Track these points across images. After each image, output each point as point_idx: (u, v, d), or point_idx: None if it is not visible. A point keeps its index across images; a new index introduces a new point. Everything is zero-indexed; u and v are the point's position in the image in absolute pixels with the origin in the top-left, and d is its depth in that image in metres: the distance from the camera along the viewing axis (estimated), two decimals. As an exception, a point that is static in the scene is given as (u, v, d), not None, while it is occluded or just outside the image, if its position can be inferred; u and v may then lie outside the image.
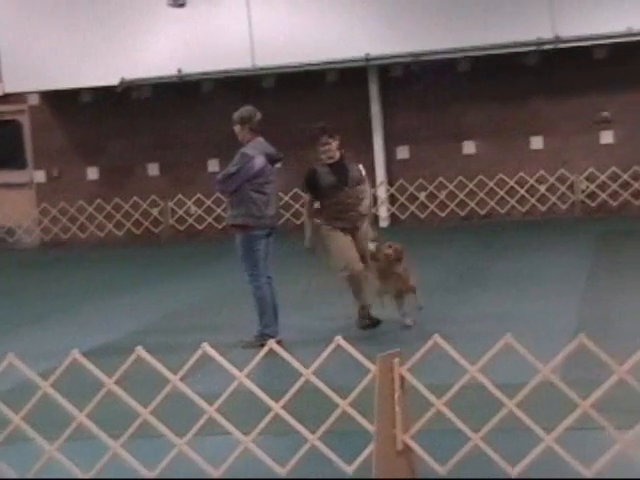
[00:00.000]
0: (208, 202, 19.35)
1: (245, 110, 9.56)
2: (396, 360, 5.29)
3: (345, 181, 9.78)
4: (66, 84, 18.81)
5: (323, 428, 5.55)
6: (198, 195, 19.46)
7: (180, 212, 19.64)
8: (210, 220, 19.37)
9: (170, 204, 19.65)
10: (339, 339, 5.65)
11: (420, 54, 17.99)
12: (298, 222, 18.98)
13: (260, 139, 9.50)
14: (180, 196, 19.59)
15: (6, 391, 6.69)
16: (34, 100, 19.96)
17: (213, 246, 17.63)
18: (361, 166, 10.08)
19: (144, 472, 5.65)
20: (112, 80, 18.48)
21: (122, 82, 18.57)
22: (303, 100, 19.13)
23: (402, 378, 5.29)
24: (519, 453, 5.30)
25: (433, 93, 18.83)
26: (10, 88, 19.25)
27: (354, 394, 5.54)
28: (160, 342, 9.49)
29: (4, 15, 18.98)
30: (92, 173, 20.09)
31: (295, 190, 18.92)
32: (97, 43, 18.61)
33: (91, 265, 16.93)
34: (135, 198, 19.70)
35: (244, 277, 9.44)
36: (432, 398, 5.40)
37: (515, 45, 17.55)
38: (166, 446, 5.72)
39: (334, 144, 9.84)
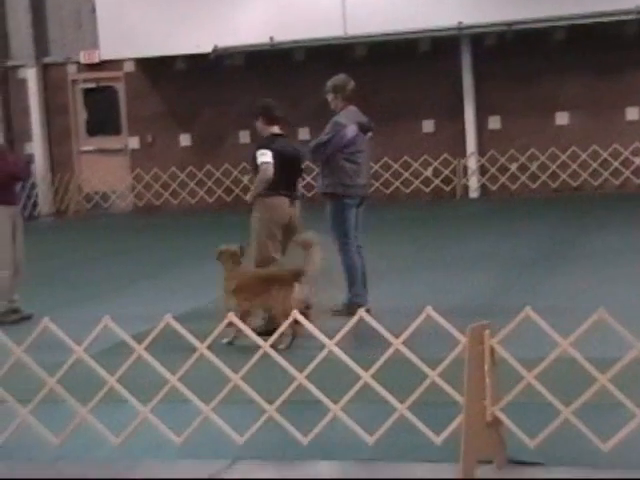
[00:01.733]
0: (298, 170, 19.40)
1: (338, 78, 9.55)
2: (487, 332, 5.26)
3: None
4: (161, 51, 19.02)
5: (412, 398, 5.55)
6: (288, 163, 19.52)
7: (270, 180, 19.73)
8: (301, 188, 19.41)
9: (260, 172, 19.75)
10: (429, 309, 5.64)
11: (514, 23, 17.73)
12: (388, 192, 18.96)
13: (353, 108, 9.48)
14: (270, 164, 19.67)
15: (101, 352, 6.82)
16: (129, 67, 20.22)
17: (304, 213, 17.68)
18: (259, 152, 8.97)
19: (234, 437, 5.73)
20: (205, 48, 18.62)
21: (215, 50, 18.70)
22: (395, 69, 19.03)
23: (492, 350, 5.26)
24: (611, 429, 5.24)
25: (527, 63, 18.56)
26: (106, 55, 19.55)
27: (444, 365, 5.54)
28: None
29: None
30: (185, 140, 20.31)
31: (385, 159, 18.90)
32: (191, 11, 18.76)
33: (182, 231, 17.15)
34: (226, 165, 19.86)
35: (334, 245, 9.46)
36: (522, 371, 5.36)
37: (613, 14, 17.18)
38: (255, 412, 5.79)
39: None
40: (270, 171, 8.73)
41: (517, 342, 5.75)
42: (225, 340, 7.86)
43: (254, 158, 8.92)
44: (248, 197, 9.12)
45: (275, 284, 8.21)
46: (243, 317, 7.54)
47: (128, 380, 6.00)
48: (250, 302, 8.30)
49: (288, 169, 8.92)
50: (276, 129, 9.04)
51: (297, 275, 8.23)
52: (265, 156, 8.74)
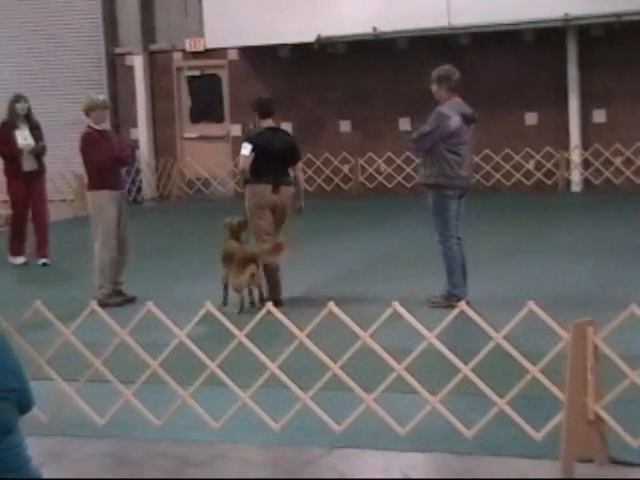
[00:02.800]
0: (398, 161, 19.36)
1: (443, 69, 9.48)
2: (590, 328, 5.18)
3: None
4: (265, 40, 19.14)
5: (513, 392, 5.51)
6: (388, 153, 19.50)
7: (370, 170, 19.74)
8: (399, 179, 19.39)
9: (360, 161, 19.78)
10: (531, 303, 5.58)
11: (623, 14, 17.37)
12: (489, 184, 18.79)
13: (457, 99, 9.41)
14: (370, 154, 19.68)
15: (203, 336, 6.92)
16: (233, 55, 20.41)
17: (402, 202, 17.67)
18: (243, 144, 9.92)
19: (332, 424, 5.76)
20: (309, 37, 18.68)
21: (319, 39, 18.75)
22: (499, 59, 18.82)
23: (596, 347, 5.18)
24: None
25: (634, 54, 18.17)
26: (211, 43, 19.76)
27: (545, 360, 5.48)
28: (349, 294, 9.66)
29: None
30: (286, 128, 20.38)
31: (486, 151, 18.73)
32: (295, 0, 18.83)
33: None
34: (326, 154, 19.92)
35: (434, 236, 9.43)
36: (626, 369, 5.27)
37: None
38: (355, 401, 5.81)
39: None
40: (243, 163, 9.74)
41: (621, 338, 5.66)
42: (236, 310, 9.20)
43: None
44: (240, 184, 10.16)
45: (234, 261, 9.42)
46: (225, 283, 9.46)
47: (228, 364, 6.09)
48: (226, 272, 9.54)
49: (271, 159, 9.69)
50: (268, 122, 9.92)
51: (251, 258, 9.38)
52: (244, 149, 9.72)
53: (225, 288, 9.58)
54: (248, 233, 9.87)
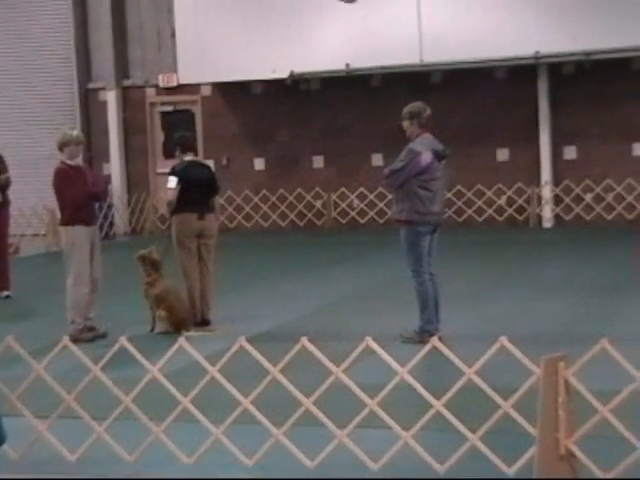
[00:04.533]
0: (371, 196, 19.45)
1: (414, 106, 9.57)
2: (561, 364, 5.22)
3: None
4: (238, 76, 19.23)
5: (484, 428, 5.53)
6: (361, 189, 19.59)
7: (343, 205, 19.81)
8: (372, 214, 19.46)
9: (333, 197, 19.85)
10: (503, 339, 5.62)
11: (592, 52, 17.61)
12: (461, 219, 18.89)
13: (428, 135, 9.49)
14: (343, 189, 19.77)
15: (175, 372, 6.90)
16: (206, 91, 20.47)
17: (375, 237, 17.73)
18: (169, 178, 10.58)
19: (305, 461, 5.75)
20: (282, 73, 18.80)
21: (292, 75, 18.86)
22: (471, 96, 18.99)
23: (567, 382, 5.22)
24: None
25: (604, 92, 18.40)
26: (184, 79, 19.84)
27: (517, 395, 5.50)
28: (323, 329, 9.66)
29: (181, 10, 19.53)
30: (259, 163, 20.48)
31: (458, 187, 18.84)
32: (268, 37, 18.96)
33: (256, 253, 17.26)
34: (299, 190, 19.98)
35: (407, 271, 9.47)
36: (597, 404, 5.31)
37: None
38: (327, 436, 5.81)
39: None
40: (171, 195, 10.42)
41: (592, 374, 5.69)
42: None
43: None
44: (167, 215, 10.93)
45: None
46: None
47: (201, 400, 6.07)
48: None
49: (195, 189, 10.39)
50: (190, 156, 10.68)
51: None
52: (171, 182, 10.44)
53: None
54: (162, 257, 10.50)
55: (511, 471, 5.41)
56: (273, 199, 20.14)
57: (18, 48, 21.23)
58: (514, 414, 5.49)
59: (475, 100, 18.98)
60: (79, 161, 10.61)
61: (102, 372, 6.16)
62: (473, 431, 5.56)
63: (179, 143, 10.82)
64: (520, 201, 18.97)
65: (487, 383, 5.62)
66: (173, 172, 10.51)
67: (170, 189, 10.44)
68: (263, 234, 19.65)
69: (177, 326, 10.09)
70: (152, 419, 6.07)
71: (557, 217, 18.90)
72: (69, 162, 10.19)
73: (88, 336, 9.81)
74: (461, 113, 18.87)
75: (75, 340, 8.07)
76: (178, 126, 20.78)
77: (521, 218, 18.99)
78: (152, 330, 10.25)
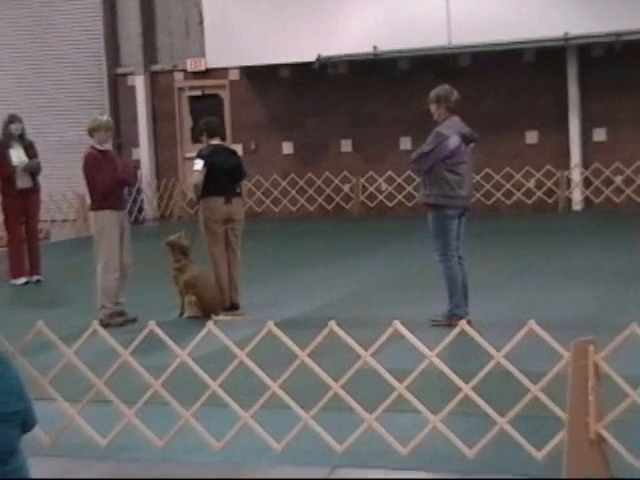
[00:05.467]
0: (399, 180, 19.41)
1: (442, 89, 9.53)
2: (591, 348, 5.19)
3: None
4: (265, 60, 19.23)
5: (513, 412, 5.52)
6: (389, 172, 19.56)
7: (371, 189, 19.79)
8: (400, 198, 19.43)
9: (361, 180, 19.83)
10: (532, 323, 5.60)
11: (623, 33, 17.45)
12: (489, 203, 18.82)
13: (456, 118, 9.45)
14: (371, 173, 19.74)
15: (204, 356, 6.92)
16: (234, 75, 20.49)
17: (403, 223, 17.71)
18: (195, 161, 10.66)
19: (333, 445, 5.77)
20: (309, 56, 18.76)
21: (319, 59, 18.83)
22: (500, 79, 18.90)
23: (596, 366, 5.19)
24: None
25: (634, 73, 18.24)
26: (212, 63, 19.86)
27: (546, 379, 5.49)
28: (351, 315, 9.65)
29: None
30: (287, 148, 20.49)
31: (487, 170, 18.76)
32: (296, 20, 18.94)
33: (284, 238, 17.29)
34: (327, 174, 19.97)
35: (435, 255, 9.45)
36: (627, 388, 5.28)
37: None
38: (356, 421, 5.82)
39: None
40: (197, 177, 10.40)
41: (622, 358, 5.67)
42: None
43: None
44: (194, 198, 10.76)
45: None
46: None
47: (230, 385, 6.10)
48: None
49: (221, 174, 10.36)
50: (216, 141, 10.68)
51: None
52: (197, 165, 10.44)
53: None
54: (191, 243, 10.59)
55: (540, 455, 5.40)
56: (301, 183, 20.14)
57: (47, 35, 21.33)
58: (543, 398, 5.47)
59: (503, 83, 18.88)
60: (108, 146, 10.66)
61: (132, 357, 6.20)
62: (502, 415, 5.55)
63: (205, 128, 10.80)
64: (549, 184, 18.87)
65: (516, 367, 5.61)
66: (199, 155, 10.53)
67: (197, 171, 10.44)
68: (291, 219, 19.67)
69: (206, 311, 10.13)
70: (182, 404, 6.11)
71: (586, 200, 18.78)
72: (98, 147, 10.23)
73: (118, 321, 9.88)
74: (489, 96, 18.78)
75: (105, 325, 8.13)
76: (206, 111, 20.89)
77: (550, 201, 18.89)
78: (181, 315, 10.31)
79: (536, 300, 10.38)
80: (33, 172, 13.19)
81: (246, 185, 11.24)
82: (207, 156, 10.44)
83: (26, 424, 3.17)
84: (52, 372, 6.36)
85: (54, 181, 18.83)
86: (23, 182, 13.10)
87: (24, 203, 13.10)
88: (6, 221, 13.39)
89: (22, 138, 13.24)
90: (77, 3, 21.23)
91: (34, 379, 6.19)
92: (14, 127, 13.12)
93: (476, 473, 5.49)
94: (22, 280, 13.10)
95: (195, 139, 20.98)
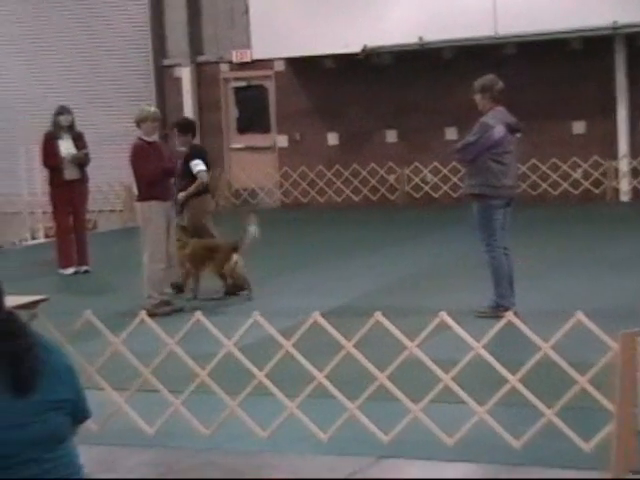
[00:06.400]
0: (444, 170, 19.33)
1: (486, 79, 9.48)
2: (639, 339, 5.15)
3: None
4: (310, 51, 19.21)
5: (560, 403, 5.49)
6: (434, 163, 19.48)
7: (416, 179, 19.73)
8: (446, 188, 19.35)
9: (406, 171, 19.77)
10: (579, 314, 5.56)
11: (672, 22, 17.23)
12: (535, 193, 18.69)
13: (500, 108, 9.39)
14: (417, 163, 19.67)
15: (250, 346, 6.96)
16: (279, 66, 20.50)
17: (448, 213, 17.65)
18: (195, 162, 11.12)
19: (379, 435, 5.77)
20: (354, 47, 18.73)
21: (364, 49, 18.79)
22: (545, 68, 18.73)
23: (645, 358, 5.15)
24: None
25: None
26: (258, 54, 19.88)
27: (594, 370, 5.45)
28: (396, 305, 9.63)
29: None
30: (332, 138, 20.48)
31: (533, 161, 18.63)
32: (341, 11, 18.90)
33: (329, 228, 17.29)
34: (372, 164, 19.94)
35: (480, 246, 9.41)
36: (676, 380, 5.22)
37: None
38: (402, 411, 5.82)
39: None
40: (206, 176, 11.15)
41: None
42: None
43: (186, 163, 10.98)
44: (180, 197, 11.01)
45: (218, 253, 10.59)
46: (186, 278, 10.69)
47: (275, 374, 6.12)
48: (199, 267, 10.67)
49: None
50: (196, 140, 11.70)
51: (234, 247, 10.59)
52: (200, 165, 11.05)
53: (197, 281, 10.73)
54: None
55: (588, 447, 5.37)
56: (346, 174, 20.12)
57: (95, 27, 21.48)
58: (591, 389, 5.44)
59: (550, 72, 18.71)
60: (155, 137, 10.73)
61: (178, 346, 6.24)
62: (549, 406, 5.52)
63: (190, 128, 11.51)
64: (596, 174, 18.70)
65: (563, 358, 5.58)
66: (198, 156, 11.12)
67: (203, 171, 11.06)
68: (336, 209, 19.67)
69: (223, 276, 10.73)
70: (228, 393, 6.14)
71: (634, 190, 18.58)
72: (146, 138, 10.30)
73: (165, 310, 9.94)
74: (535, 85, 18.62)
75: (152, 314, 8.17)
76: (251, 101, 20.96)
77: (597, 191, 18.72)
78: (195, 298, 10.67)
79: (582, 290, 10.30)
80: (81, 163, 13.31)
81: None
82: (203, 155, 11.25)
83: (77, 415, 3.20)
84: (100, 361, 6.42)
85: (101, 172, 18.97)
86: (71, 173, 13.23)
87: (72, 194, 13.23)
88: (54, 212, 13.54)
89: (71, 129, 13.36)
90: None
91: (82, 367, 6.26)
92: (63, 118, 13.26)
93: (524, 464, 5.47)
94: (70, 270, 13.23)
95: (241, 130, 21.08)
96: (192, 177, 11.03)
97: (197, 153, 11.21)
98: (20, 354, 3.03)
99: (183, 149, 11.19)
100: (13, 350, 3.03)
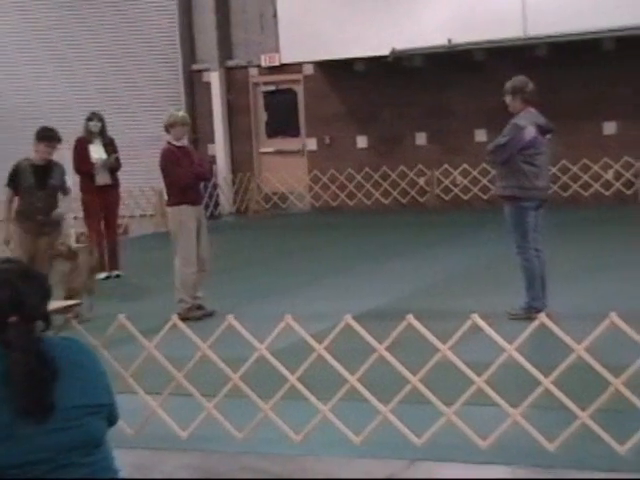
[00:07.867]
0: (474, 172, 19.28)
1: (517, 80, 9.45)
2: (674, 341, 5.11)
3: (43, 185, 10.64)
4: (340, 54, 19.22)
5: (595, 405, 5.46)
6: (464, 165, 19.43)
7: (446, 182, 19.68)
8: (476, 191, 19.30)
9: (436, 174, 19.74)
10: (613, 315, 5.53)
11: None
12: (566, 195, 18.59)
13: (532, 110, 9.36)
14: (446, 166, 19.63)
15: (282, 350, 6.97)
16: (309, 70, 20.53)
17: (479, 215, 17.60)
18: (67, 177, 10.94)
19: (412, 438, 5.76)
20: (383, 50, 18.71)
21: (393, 52, 18.77)
22: (576, 69, 18.64)
23: (680, 359, 5.11)
24: None
25: None
26: (287, 58, 19.92)
27: (628, 372, 5.42)
28: (428, 308, 9.60)
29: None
30: (362, 141, 20.47)
31: (564, 162, 18.54)
32: (369, 14, 18.90)
33: (359, 231, 17.28)
34: (402, 167, 19.91)
35: (512, 248, 9.37)
36: None
37: None
38: (435, 414, 5.81)
39: (54, 150, 10.81)
40: None
41: None
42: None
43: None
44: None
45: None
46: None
47: (308, 378, 6.13)
48: None
49: None
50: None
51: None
52: None
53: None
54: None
55: (623, 450, 5.34)
56: (376, 177, 20.11)
57: (124, 33, 21.60)
58: (625, 391, 5.40)
59: (581, 73, 18.61)
60: (185, 142, 10.77)
61: (211, 350, 6.27)
62: (583, 409, 5.49)
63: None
64: (628, 175, 18.58)
65: (597, 360, 5.55)
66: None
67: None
68: (366, 212, 19.66)
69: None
70: (260, 397, 6.15)
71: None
72: (175, 143, 10.34)
73: (197, 314, 9.98)
74: (567, 87, 18.53)
75: (184, 319, 8.20)
76: (281, 105, 21.00)
77: (629, 192, 18.59)
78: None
79: (615, 292, 10.23)
80: (112, 168, 13.41)
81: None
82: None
83: (111, 418, 3.23)
84: (134, 365, 6.45)
85: (133, 177, 19.09)
86: (102, 178, 13.33)
87: (103, 199, 13.31)
88: (86, 217, 13.62)
89: (102, 135, 13.46)
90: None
91: (116, 372, 6.30)
92: (92, 124, 13.36)
93: (558, 467, 5.44)
94: (103, 275, 13.30)
95: (270, 134, 21.12)
96: None
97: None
98: (47, 377, 3.04)
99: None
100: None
